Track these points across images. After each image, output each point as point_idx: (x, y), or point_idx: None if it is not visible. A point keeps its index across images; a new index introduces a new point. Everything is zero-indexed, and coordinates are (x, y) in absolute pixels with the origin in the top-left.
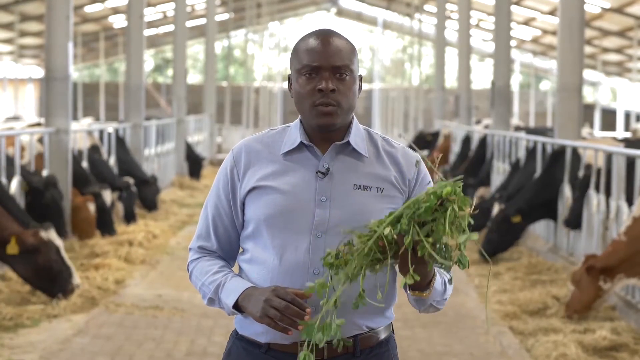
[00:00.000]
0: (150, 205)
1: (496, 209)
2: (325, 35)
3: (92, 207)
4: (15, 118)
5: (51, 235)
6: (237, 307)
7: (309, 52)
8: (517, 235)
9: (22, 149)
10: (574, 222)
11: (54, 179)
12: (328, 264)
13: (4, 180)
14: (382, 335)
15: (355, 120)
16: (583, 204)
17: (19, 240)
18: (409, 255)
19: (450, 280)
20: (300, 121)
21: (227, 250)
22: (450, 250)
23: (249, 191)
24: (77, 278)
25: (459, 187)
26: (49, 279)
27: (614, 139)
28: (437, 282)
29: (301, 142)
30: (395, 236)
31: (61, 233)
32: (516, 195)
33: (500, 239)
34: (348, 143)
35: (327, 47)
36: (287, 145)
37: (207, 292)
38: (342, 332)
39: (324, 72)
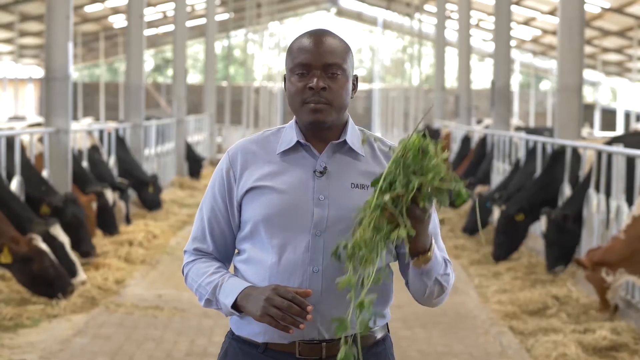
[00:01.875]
0: (152, 205)
1: (497, 212)
2: (318, 35)
3: (94, 206)
4: (20, 118)
5: (56, 231)
6: (236, 307)
7: (301, 51)
8: (523, 233)
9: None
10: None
11: (73, 196)
12: (349, 255)
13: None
14: (379, 335)
15: (350, 120)
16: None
17: (11, 250)
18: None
19: (447, 261)
20: (296, 121)
21: (223, 252)
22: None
23: (246, 192)
24: (82, 274)
25: (419, 133)
26: (46, 284)
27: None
28: (435, 250)
29: (297, 142)
30: (396, 195)
31: (88, 248)
32: (516, 195)
33: (508, 240)
34: (344, 142)
35: (319, 45)
36: (283, 145)
37: (204, 293)
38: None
39: (315, 70)
